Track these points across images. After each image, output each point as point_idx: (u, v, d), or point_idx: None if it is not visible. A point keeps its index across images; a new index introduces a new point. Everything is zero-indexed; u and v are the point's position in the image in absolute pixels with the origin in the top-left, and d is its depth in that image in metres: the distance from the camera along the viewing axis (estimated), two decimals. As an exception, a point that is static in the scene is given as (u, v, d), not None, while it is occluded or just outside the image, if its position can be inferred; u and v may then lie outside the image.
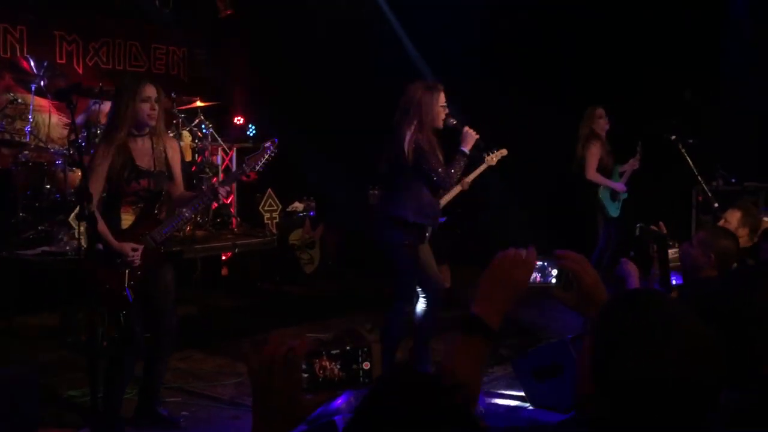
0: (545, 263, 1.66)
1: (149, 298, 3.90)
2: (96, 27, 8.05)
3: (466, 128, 4.47)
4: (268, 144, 4.07)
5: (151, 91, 3.79)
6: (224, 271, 8.09)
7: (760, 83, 7.55)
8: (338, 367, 1.34)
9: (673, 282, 2.91)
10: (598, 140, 6.80)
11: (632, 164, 6.97)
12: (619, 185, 6.89)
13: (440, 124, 4.44)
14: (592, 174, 6.83)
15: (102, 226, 3.69)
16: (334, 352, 1.35)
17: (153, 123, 3.83)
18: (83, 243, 4.70)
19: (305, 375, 1.33)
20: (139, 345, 3.86)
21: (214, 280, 7.90)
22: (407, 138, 4.32)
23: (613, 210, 6.92)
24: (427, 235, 4.59)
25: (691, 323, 1.31)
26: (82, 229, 4.88)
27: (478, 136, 4.47)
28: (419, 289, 4.61)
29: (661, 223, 3.35)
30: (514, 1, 8.66)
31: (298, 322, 6.45)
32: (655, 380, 1.26)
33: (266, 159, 4.03)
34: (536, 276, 1.63)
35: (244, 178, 8.65)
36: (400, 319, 4.54)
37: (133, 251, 3.74)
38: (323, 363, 1.34)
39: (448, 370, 1.53)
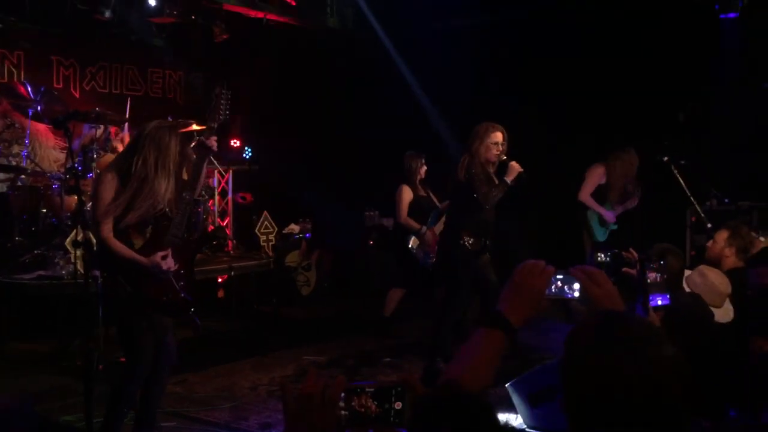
0: (567, 277, 1.77)
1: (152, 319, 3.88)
2: (93, 51, 8.12)
3: (512, 162, 5.27)
4: (216, 91, 3.94)
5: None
6: (220, 294, 8.08)
7: (751, 103, 7.62)
8: (375, 404, 1.40)
9: (659, 302, 2.93)
10: (602, 165, 6.83)
11: (630, 203, 6.92)
12: (608, 214, 6.84)
13: (492, 158, 5.32)
14: (584, 196, 6.85)
15: (124, 249, 3.65)
16: (368, 390, 1.41)
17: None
18: (80, 268, 4.70)
19: (344, 412, 1.39)
20: (146, 371, 3.84)
21: (211, 303, 7.89)
22: (462, 163, 5.30)
23: (600, 235, 6.88)
24: (486, 247, 5.44)
25: (657, 347, 1.32)
26: (78, 253, 4.90)
27: (522, 170, 5.26)
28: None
29: (632, 249, 3.39)
30: (511, 25, 8.76)
31: (296, 345, 6.44)
32: (615, 402, 1.28)
33: (224, 105, 3.92)
34: (554, 287, 1.75)
35: (240, 200, 8.73)
36: (447, 327, 5.31)
37: (164, 258, 3.70)
38: (362, 400, 1.40)
39: (456, 368, 1.64)
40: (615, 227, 6.91)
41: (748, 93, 7.67)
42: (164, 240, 3.76)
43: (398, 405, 1.39)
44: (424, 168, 6.78)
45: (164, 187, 3.70)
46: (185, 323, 3.94)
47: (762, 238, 5.42)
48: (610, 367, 1.29)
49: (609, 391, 1.29)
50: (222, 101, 3.91)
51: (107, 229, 3.65)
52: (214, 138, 3.87)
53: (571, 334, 1.41)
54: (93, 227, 3.73)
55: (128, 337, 3.80)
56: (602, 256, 3.40)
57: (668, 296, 2.90)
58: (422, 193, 6.76)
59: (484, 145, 5.29)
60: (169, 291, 3.76)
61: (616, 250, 3.24)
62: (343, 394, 1.40)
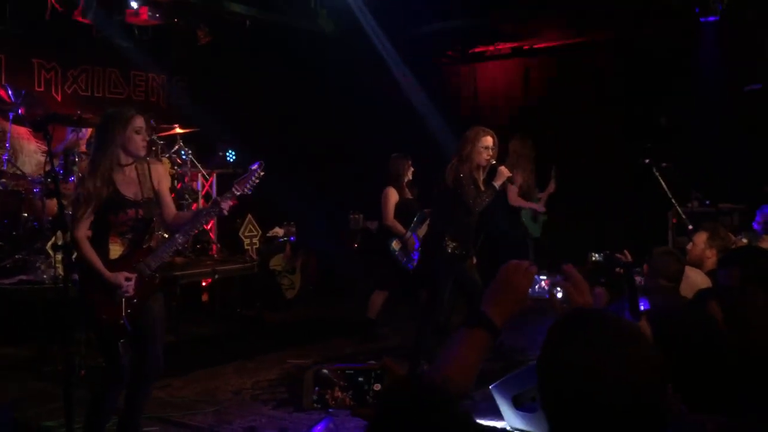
0: (549, 279, 1.80)
1: (138, 325, 3.86)
2: (75, 54, 8.05)
3: (501, 167, 5.33)
4: (254, 166, 4.02)
5: (141, 121, 3.79)
6: (204, 298, 8.04)
7: (732, 106, 7.70)
8: (350, 396, 1.42)
9: (642, 308, 2.94)
10: (519, 168, 7.14)
11: (549, 189, 7.52)
12: (538, 206, 7.38)
13: (482, 162, 5.29)
14: (514, 199, 7.20)
15: (94, 257, 3.65)
16: (348, 372, 1.43)
17: (143, 153, 3.83)
18: (61, 272, 4.66)
19: (317, 405, 1.39)
20: (125, 377, 3.81)
21: (194, 307, 7.85)
22: (451, 166, 5.27)
23: (535, 231, 7.38)
24: (469, 252, 5.41)
25: (633, 345, 1.33)
26: (59, 257, 4.86)
27: (510, 174, 5.38)
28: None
29: (626, 251, 3.41)
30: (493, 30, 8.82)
31: (280, 348, 6.41)
32: (592, 401, 1.29)
33: (254, 181, 4.00)
34: (537, 287, 1.77)
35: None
36: (428, 328, 5.29)
37: (127, 281, 3.69)
38: (336, 394, 1.41)
39: (442, 367, 1.63)
40: (545, 218, 7.48)
41: (729, 96, 7.75)
42: (137, 263, 3.76)
43: (377, 387, 1.41)
44: (411, 170, 6.78)
45: (109, 167, 3.71)
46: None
47: (744, 240, 5.47)
48: (590, 368, 1.30)
49: (588, 392, 1.29)
50: (254, 177, 3.99)
51: (83, 230, 3.67)
52: (230, 203, 3.95)
53: (549, 333, 1.42)
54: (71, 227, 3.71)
55: (106, 342, 3.78)
56: (596, 255, 3.40)
57: (647, 300, 2.92)
58: (408, 195, 6.75)
59: (476, 149, 5.26)
60: (112, 313, 3.70)
61: (609, 251, 3.24)
62: (316, 388, 1.40)
